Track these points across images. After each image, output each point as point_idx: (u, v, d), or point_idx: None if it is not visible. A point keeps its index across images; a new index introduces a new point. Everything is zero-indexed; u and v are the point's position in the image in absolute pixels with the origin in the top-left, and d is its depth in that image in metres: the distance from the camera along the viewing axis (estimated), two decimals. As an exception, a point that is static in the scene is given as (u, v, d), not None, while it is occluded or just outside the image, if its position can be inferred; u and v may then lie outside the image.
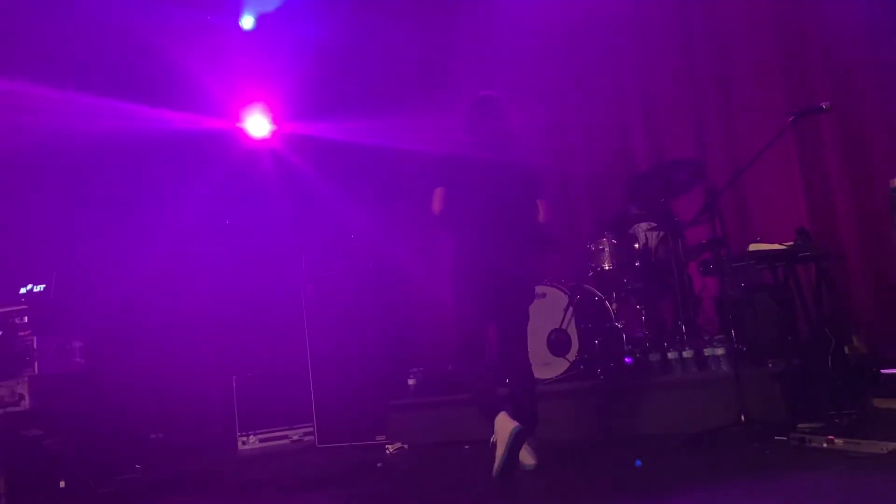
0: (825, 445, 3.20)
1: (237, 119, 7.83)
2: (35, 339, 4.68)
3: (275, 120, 7.81)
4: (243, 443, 6.21)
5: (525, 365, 3.82)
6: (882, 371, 4.40)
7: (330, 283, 5.57)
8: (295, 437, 6.17)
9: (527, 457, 3.53)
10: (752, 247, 4.05)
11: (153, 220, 7.15)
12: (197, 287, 7.59)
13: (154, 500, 4.25)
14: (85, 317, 5.18)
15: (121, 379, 7.48)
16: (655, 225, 5.12)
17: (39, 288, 4.99)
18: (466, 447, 4.57)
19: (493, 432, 3.50)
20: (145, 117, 6.91)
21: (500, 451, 3.42)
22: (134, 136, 6.87)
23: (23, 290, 5.04)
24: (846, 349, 4.21)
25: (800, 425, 3.52)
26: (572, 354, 4.82)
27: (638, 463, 3.30)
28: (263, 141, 7.87)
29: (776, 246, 4.01)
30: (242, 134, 7.86)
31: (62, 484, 4.69)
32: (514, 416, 3.51)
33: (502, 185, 3.77)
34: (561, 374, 4.82)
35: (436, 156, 3.91)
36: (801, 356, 4.13)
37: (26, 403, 4.60)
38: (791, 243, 4.04)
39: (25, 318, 4.73)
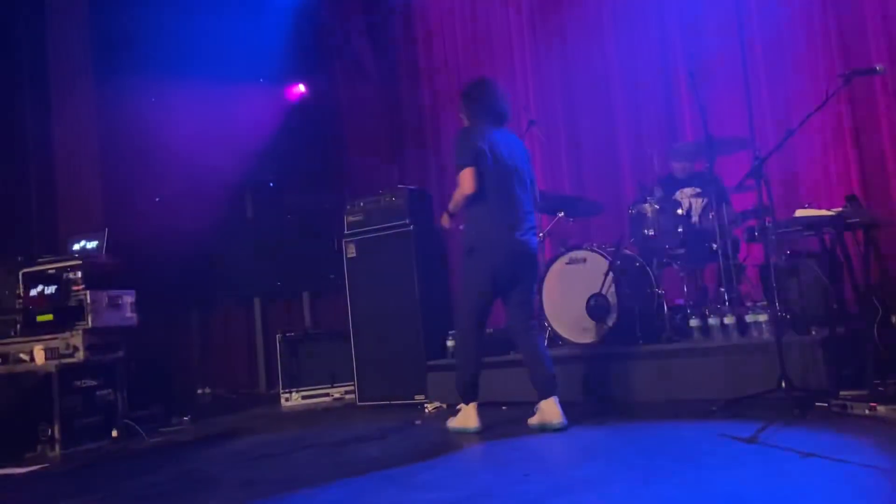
0: (867, 412, 3.17)
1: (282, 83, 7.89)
2: (88, 293, 4.84)
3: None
4: (286, 399, 6.37)
5: (539, 331, 4.11)
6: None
7: (371, 243, 5.63)
8: (336, 395, 6.30)
9: (556, 416, 3.75)
10: (799, 213, 3.98)
11: (202, 178, 7.29)
12: (241, 247, 7.75)
13: (201, 451, 4.40)
14: (136, 272, 5.33)
15: (170, 334, 7.73)
16: (699, 190, 5.06)
17: (92, 244, 5.15)
18: (504, 407, 4.63)
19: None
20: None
21: (456, 424, 3.96)
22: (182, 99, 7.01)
23: (76, 247, 5.21)
24: (893, 318, 4.14)
25: (842, 392, 3.49)
26: (611, 320, 4.81)
27: None
28: (308, 100, 7.91)
29: (823, 212, 3.93)
30: (285, 94, 7.92)
31: (114, 433, 4.88)
32: (538, 382, 3.80)
33: (520, 164, 3.97)
34: (599, 340, 4.82)
35: (464, 132, 3.95)
36: (847, 324, 4.07)
37: (80, 355, 4.77)
38: (839, 210, 3.96)
39: (79, 274, 4.88)
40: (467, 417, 3.93)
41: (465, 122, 4.04)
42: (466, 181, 3.81)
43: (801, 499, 2.29)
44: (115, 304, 5.00)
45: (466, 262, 3.92)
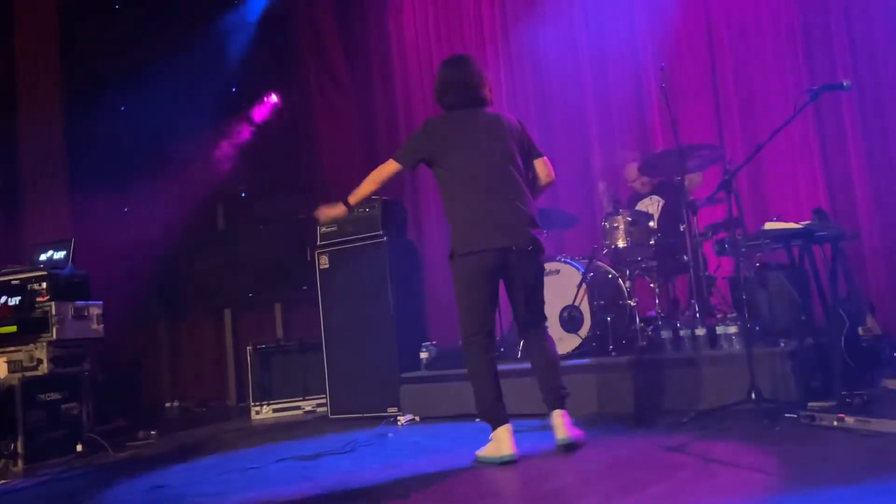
0: (835, 423, 3.21)
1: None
2: (53, 304, 4.74)
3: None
4: (257, 412, 6.29)
5: (549, 337, 3.60)
6: (895, 354, 4.40)
7: (345, 254, 5.59)
8: (308, 408, 6.24)
9: (562, 430, 3.38)
10: (768, 225, 4.03)
11: (170, 189, 7.22)
12: (212, 257, 7.66)
13: (169, 466, 4.32)
14: (104, 283, 5.24)
15: (138, 346, 7.62)
16: (662, 200, 5.15)
17: (58, 254, 5.06)
18: (477, 420, 4.60)
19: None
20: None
21: (486, 453, 3.37)
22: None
23: (41, 257, 5.11)
24: (860, 330, 4.21)
25: (810, 404, 3.53)
26: (584, 331, 4.83)
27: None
28: (281, 109, 7.88)
29: (792, 225, 3.99)
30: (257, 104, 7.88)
31: (79, 447, 4.78)
32: (546, 393, 3.43)
33: (499, 146, 3.48)
34: (572, 351, 4.84)
35: (423, 125, 3.61)
36: (815, 336, 4.13)
37: (45, 368, 4.68)
38: (807, 223, 4.02)
39: (44, 284, 4.78)
40: (498, 444, 3.33)
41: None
42: (381, 171, 3.57)
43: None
44: (81, 316, 4.90)
45: (452, 268, 3.51)
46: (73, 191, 6.63)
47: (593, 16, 6.53)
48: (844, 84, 3.73)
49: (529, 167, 3.62)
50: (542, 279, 3.59)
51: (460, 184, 3.48)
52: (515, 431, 3.39)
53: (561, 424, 3.39)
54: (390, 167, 3.58)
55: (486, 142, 3.49)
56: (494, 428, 3.36)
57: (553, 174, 3.70)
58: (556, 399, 3.44)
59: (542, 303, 3.62)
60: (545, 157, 3.68)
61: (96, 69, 6.81)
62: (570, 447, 3.35)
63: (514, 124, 3.61)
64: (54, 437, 4.71)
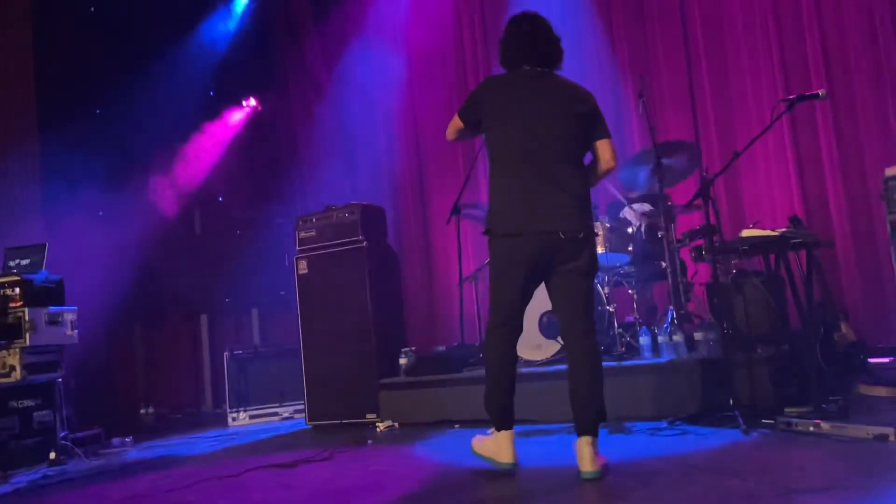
0: (812, 429, 3.25)
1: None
2: (26, 310, 4.66)
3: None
4: (233, 419, 6.23)
5: (597, 352, 3.12)
6: (869, 360, 4.47)
7: (324, 259, 5.56)
8: (285, 414, 6.19)
9: (586, 461, 2.96)
10: (745, 233, 4.08)
11: (147, 193, 7.15)
12: (189, 262, 7.59)
13: (143, 474, 4.26)
14: (77, 289, 5.17)
15: (113, 352, 7.53)
16: (648, 208, 5.17)
17: (34, 259, 4.97)
18: (456, 426, 4.61)
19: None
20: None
21: (485, 449, 3.21)
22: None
23: (15, 262, 5.01)
24: (835, 336, 4.27)
25: (787, 409, 3.57)
26: (563, 337, 4.84)
27: None
28: (260, 114, 7.85)
29: (768, 232, 4.04)
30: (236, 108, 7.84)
31: (53, 455, 4.70)
32: (578, 413, 3.04)
33: (554, 121, 3.12)
34: (552, 357, 4.85)
35: (480, 86, 3.36)
36: (791, 343, 4.18)
37: (17, 374, 4.59)
38: (783, 230, 4.07)
39: (17, 290, 4.70)
40: (498, 447, 3.14)
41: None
42: (450, 126, 3.37)
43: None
44: (55, 322, 4.82)
45: (490, 248, 3.17)
46: (48, 194, 6.54)
47: (571, 24, 6.57)
48: (820, 94, 3.79)
49: (590, 147, 3.22)
50: (594, 273, 3.18)
51: (506, 156, 3.14)
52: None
53: (586, 456, 2.95)
54: (455, 122, 3.34)
55: (542, 110, 3.12)
56: (497, 430, 3.15)
57: (615, 160, 3.24)
58: (587, 425, 3.00)
59: (592, 305, 3.20)
60: (610, 140, 3.23)
61: (72, 70, 6.72)
62: (593, 479, 2.93)
63: (581, 96, 3.21)
64: (27, 444, 4.63)
